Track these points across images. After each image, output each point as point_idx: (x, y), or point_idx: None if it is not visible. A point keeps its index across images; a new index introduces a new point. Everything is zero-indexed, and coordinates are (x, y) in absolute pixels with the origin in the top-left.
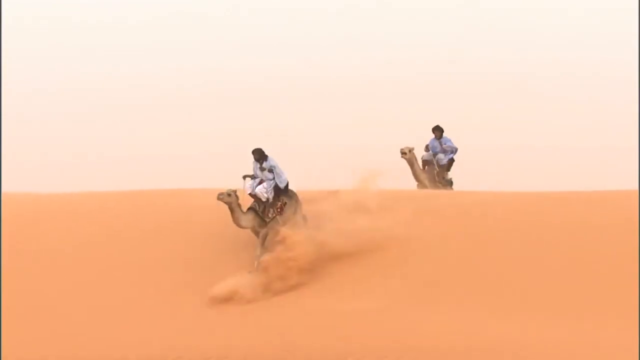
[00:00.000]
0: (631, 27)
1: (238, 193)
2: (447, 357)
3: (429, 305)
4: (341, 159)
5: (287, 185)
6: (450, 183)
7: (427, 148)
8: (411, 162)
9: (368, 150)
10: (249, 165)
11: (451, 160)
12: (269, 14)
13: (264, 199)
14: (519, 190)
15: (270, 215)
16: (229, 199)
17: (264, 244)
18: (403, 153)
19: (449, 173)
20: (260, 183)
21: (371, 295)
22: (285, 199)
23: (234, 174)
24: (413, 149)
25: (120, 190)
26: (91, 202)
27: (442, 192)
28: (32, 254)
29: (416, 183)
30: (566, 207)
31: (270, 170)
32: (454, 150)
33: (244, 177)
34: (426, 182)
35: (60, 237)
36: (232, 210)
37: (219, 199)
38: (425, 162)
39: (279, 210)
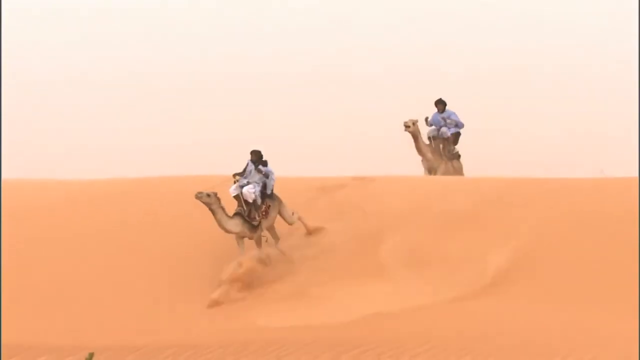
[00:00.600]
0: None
1: (219, 195)
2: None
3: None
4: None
5: (270, 194)
6: (457, 156)
7: (427, 122)
8: (415, 136)
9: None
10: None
11: (457, 134)
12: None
13: (250, 200)
14: (515, 177)
15: (257, 219)
16: (208, 199)
17: (260, 246)
18: (407, 126)
19: (455, 147)
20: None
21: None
22: (269, 202)
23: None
24: (417, 121)
25: (127, 178)
26: (100, 190)
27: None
28: (37, 241)
29: (420, 158)
30: (567, 195)
31: (266, 175)
32: (460, 125)
33: (234, 175)
34: (429, 155)
35: (67, 225)
36: (213, 212)
37: (197, 197)
38: (430, 139)
39: (264, 213)
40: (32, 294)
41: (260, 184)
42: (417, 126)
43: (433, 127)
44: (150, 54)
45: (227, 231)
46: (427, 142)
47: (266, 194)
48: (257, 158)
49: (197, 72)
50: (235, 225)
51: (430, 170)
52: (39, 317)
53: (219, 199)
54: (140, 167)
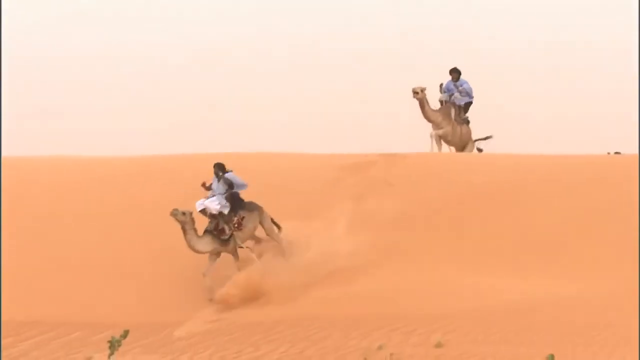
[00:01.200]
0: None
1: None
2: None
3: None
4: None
5: (245, 202)
6: (466, 122)
7: (441, 89)
8: (422, 103)
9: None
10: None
11: (468, 103)
12: None
13: (214, 212)
14: (521, 153)
15: (227, 233)
16: (183, 217)
17: (237, 259)
18: (415, 93)
19: (466, 114)
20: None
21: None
22: (243, 214)
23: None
24: (425, 89)
25: (147, 155)
26: (118, 168)
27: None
28: (53, 219)
29: (431, 127)
30: (569, 170)
31: (230, 185)
32: (471, 95)
33: (203, 185)
34: (439, 119)
35: (83, 203)
36: (184, 231)
37: (172, 214)
38: (442, 103)
39: (236, 225)
40: (56, 271)
41: (225, 195)
42: (425, 93)
43: (446, 93)
44: (171, 31)
45: (197, 251)
46: (439, 105)
47: (239, 205)
48: (220, 170)
49: (219, 50)
50: (205, 244)
51: (441, 136)
52: (70, 293)
53: (193, 220)
54: (159, 144)
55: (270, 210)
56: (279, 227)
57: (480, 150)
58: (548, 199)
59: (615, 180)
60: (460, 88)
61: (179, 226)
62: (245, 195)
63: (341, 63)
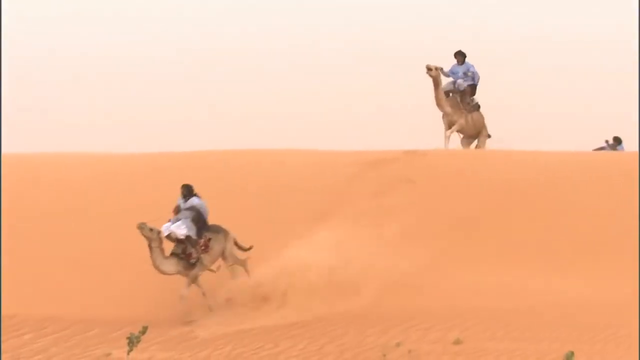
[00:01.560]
0: None
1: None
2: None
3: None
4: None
5: (210, 225)
6: (477, 107)
7: (444, 73)
8: (436, 82)
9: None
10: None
11: (473, 86)
12: None
13: (180, 236)
14: (523, 149)
15: (194, 256)
16: (150, 233)
17: (196, 283)
18: (429, 69)
19: (474, 98)
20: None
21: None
22: (209, 235)
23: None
24: (441, 68)
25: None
26: (136, 165)
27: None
28: (71, 215)
29: (441, 114)
30: (570, 166)
31: (193, 208)
32: (476, 77)
33: (175, 210)
34: (448, 108)
35: (101, 200)
36: (150, 248)
37: (138, 228)
38: (447, 92)
39: (203, 248)
40: (74, 268)
41: (191, 218)
42: (440, 73)
43: (450, 80)
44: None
45: (161, 272)
46: (445, 96)
47: (204, 227)
48: (187, 192)
49: (234, 42)
50: (170, 265)
51: (450, 124)
52: (88, 290)
53: (161, 239)
54: (169, 141)
55: (287, 209)
56: (245, 248)
57: (489, 136)
58: (571, 196)
59: None
60: (469, 72)
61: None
62: (262, 193)
63: (363, 57)
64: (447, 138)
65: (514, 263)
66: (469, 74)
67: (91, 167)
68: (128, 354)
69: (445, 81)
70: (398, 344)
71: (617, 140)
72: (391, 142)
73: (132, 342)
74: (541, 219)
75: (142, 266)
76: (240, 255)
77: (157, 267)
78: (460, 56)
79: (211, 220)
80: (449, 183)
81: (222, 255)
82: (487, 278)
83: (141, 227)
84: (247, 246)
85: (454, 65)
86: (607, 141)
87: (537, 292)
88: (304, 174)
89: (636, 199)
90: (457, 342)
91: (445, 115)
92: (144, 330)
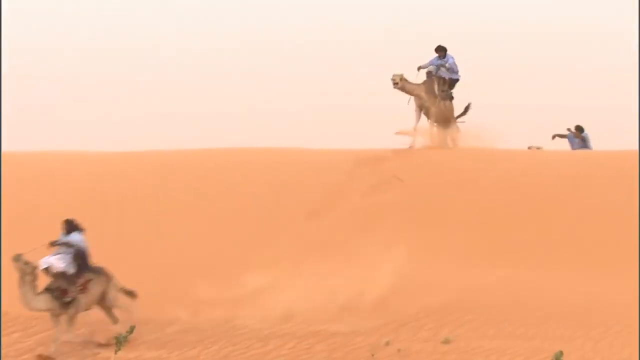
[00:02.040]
0: None
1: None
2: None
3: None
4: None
5: (93, 266)
6: (450, 97)
7: (420, 68)
8: (403, 89)
9: None
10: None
11: (455, 80)
12: None
13: (58, 270)
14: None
15: (70, 295)
16: (24, 267)
17: (71, 326)
18: (395, 83)
19: (450, 90)
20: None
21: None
22: (90, 276)
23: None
24: (403, 75)
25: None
26: (141, 162)
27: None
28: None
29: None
30: (568, 165)
31: (71, 245)
32: (455, 72)
33: (50, 244)
34: (422, 93)
35: (107, 196)
36: (21, 282)
37: (13, 259)
38: (428, 74)
39: (81, 288)
40: None
41: (72, 254)
42: (405, 79)
43: (432, 65)
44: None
45: (31, 308)
46: (425, 78)
47: (86, 267)
48: (69, 227)
49: (226, 43)
50: (41, 301)
51: (422, 107)
52: None
53: (35, 274)
54: (167, 139)
55: (279, 207)
56: (132, 294)
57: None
58: (564, 193)
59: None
60: (447, 65)
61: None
62: (253, 192)
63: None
64: (431, 125)
65: (506, 260)
66: (447, 66)
67: (91, 165)
68: (116, 352)
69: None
70: (387, 343)
71: (580, 129)
72: (381, 140)
73: (120, 342)
74: (533, 216)
75: (128, 264)
76: (124, 301)
77: (26, 304)
78: (441, 51)
79: (207, 212)
80: (438, 181)
81: (102, 298)
82: (479, 275)
83: (16, 259)
84: (133, 291)
85: (434, 58)
86: (569, 129)
87: (530, 288)
88: (295, 173)
89: (636, 197)
90: (446, 341)
91: (418, 98)
92: (131, 330)
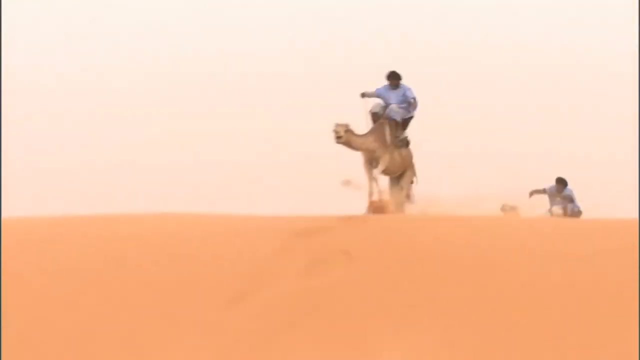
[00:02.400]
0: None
1: None
2: None
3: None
4: None
5: None
6: (406, 143)
7: (365, 94)
8: (349, 143)
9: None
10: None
11: (409, 118)
12: None
13: None
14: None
15: None
16: None
17: None
18: (338, 137)
19: (404, 132)
20: None
21: None
22: None
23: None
24: (348, 125)
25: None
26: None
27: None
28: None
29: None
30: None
31: None
32: (414, 103)
33: None
34: (371, 144)
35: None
36: None
37: None
38: (374, 116)
39: None
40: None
41: None
42: (350, 131)
43: (379, 102)
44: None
45: None
46: (371, 119)
47: None
48: None
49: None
50: None
51: (372, 161)
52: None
53: None
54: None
55: (194, 289)
56: None
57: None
58: (531, 265)
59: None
60: (410, 99)
61: None
62: (158, 269)
63: None
64: (373, 179)
65: (482, 350)
66: (407, 100)
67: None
68: None
69: (373, 103)
70: None
71: (563, 183)
72: (323, 207)
73: None
74: (503, 294)
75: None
76: None
77: None
78: (394, 79)
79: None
80: (392, 255)
81: None
82: None
83: None
84: None
85: (384, 88)
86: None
87: None
88: (213, 246)
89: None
90: None
91: (365, 151)
92: None
